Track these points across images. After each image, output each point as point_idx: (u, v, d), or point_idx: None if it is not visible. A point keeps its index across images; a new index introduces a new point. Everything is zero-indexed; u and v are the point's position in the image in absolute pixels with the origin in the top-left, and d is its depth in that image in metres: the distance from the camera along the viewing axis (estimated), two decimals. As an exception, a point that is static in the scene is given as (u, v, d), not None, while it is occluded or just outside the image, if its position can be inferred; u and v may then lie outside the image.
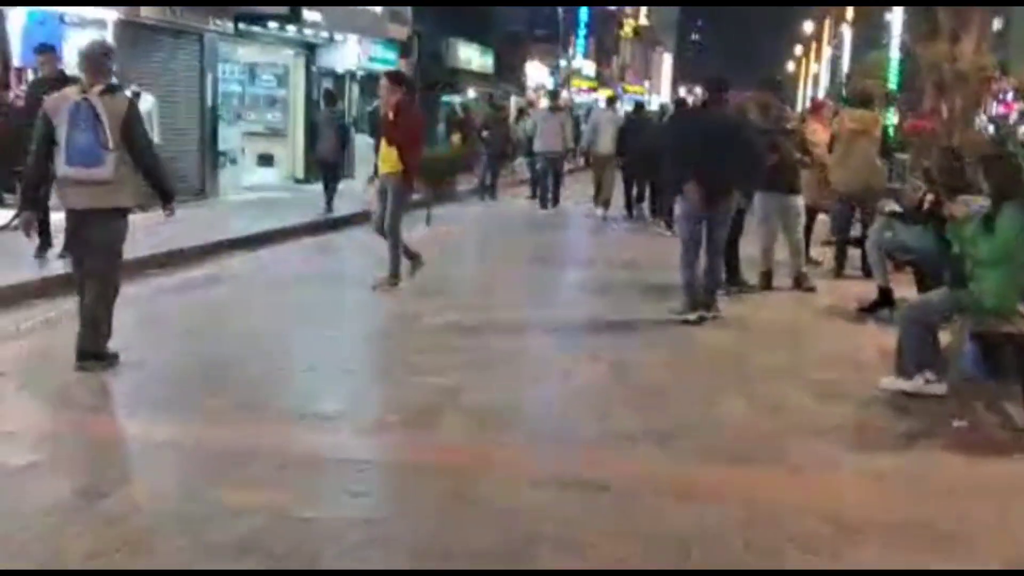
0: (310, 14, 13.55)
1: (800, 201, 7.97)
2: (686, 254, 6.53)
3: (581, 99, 29.99)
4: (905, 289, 6.84)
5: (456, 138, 16.98)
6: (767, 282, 7.83)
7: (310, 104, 14.95)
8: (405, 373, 5.18)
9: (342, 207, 11.93)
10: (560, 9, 29.78)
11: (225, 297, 7.20)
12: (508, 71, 24.86)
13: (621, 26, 41.34)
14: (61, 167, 4.71)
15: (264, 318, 6.39)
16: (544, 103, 23.07)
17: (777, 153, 7.46)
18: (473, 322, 6.39)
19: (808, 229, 8.64)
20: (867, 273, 7.98)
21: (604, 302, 7.32)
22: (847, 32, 34.10)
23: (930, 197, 6.75)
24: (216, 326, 6.14)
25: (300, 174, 15.01)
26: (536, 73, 28.98)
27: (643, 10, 46.16)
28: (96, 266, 4.85)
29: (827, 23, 39.78)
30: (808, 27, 48.08)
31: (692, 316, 6.44)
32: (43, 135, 4.77)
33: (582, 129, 15.57)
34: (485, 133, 15.76)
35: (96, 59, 4.84)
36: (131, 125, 4.72)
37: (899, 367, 4.74)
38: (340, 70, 15.71)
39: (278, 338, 5.91)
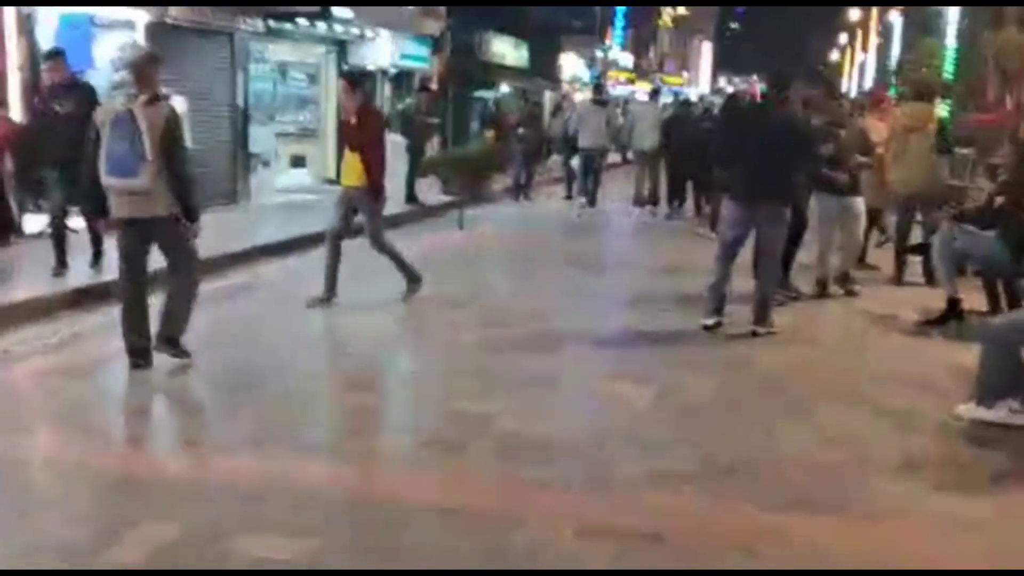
0: (341, 11, 13.28)
1: (860, 203, 7.51)
2: (719, 258, 6.21)
3: (618, 91, 29.41)
4: (975, 298, 6.38)
5: (490, 134, 16.65)
6: (822, 290, 7.39)
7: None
8: (435, 397, 4.87)
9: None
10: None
11: (253, 309, 6.93)
12: (543, 65, 24.40)
13: (659, 15, 40.61)
14: (103, 176, 4.84)
15: (292, 333, 6.11)
16: (579, 96, 22.62)
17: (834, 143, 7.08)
18: (508, 337, 6.05)
19: (867, 233, 8.17)
20: (930, 279, 7.51)
21: (646, 313, 6.93)
22: (897, 19, 32.90)
23: (1000, 199, 6.27)
24: (244, 341, 5.86)
25: (332, 175, 14.77)
26: (572, 66, 28.46)
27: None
28: (172, 267, 5.06)
29: (874, 10, 38.61)
30: (853, 15, 46.83)
31: (709, 321, 6.12)
32: (95, 145, 4.87)
33: (619, 122, 15.16)
34: (521, 130, 15.37)
35: (142, 68, 4.86)
36: (170, 137, 4.76)
37: (979, 393, 4.30)
38: (372, 67, 15.43)
39: (305, 355, 5.65)
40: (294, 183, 14.14)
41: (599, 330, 6.41)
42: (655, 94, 14.98)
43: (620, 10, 32.94)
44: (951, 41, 19.89)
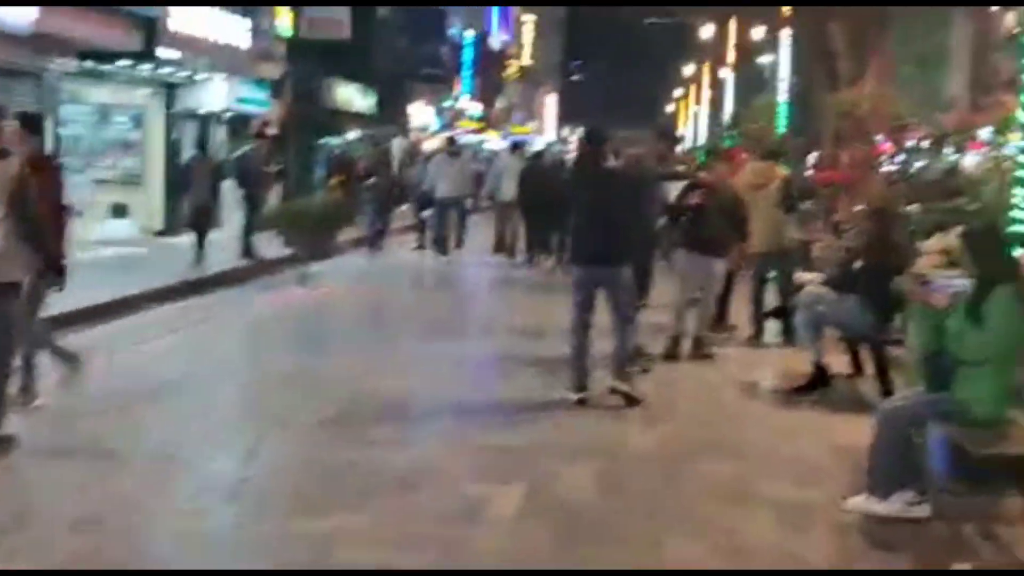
0: (168, 52, 12.23)
1: (724, 265, 7.34)
2: (573, 324, 5.83)
3: (467, 140, 29.31)
4: (837, 360, 6.23)
5: (335, 183, 15.88)
6: (675, 349, 7.05)
7: (170, 148, 13.61)
8: (262, 509, 4.09)
9: (212, 262, 10.92)
10: (445, 48, 29.10)
11: (42, 397, 5.72)
12: (392, 112, 23.87)
13: (505, 67, 41.19)
14: None
15: (98, 429, 5.06)
16: (429, 145, 22.27)
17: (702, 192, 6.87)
18: (353, 420, 5.35)
19: (727, 293, 8.01)
20: (788, 340, 7.39)
21: (508, 381, 6.40)
22: (729, 76, 34.79)
23: (858, 262, 6.20)
24: (36, 442, 4.71)
25: (159, 226, 13.55)
26: (421, 114, 28.12)
27: (527, 50, 46.26)
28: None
29: (707, 66, 40.74)
30: (688, 70, 49.31)
31: (574, 396, 5.72)
32: None
33: (473, 169, 15.15)
34: (371, 180, 14.67)
35: None
36: (21, 194, 4.44)
37: (871, 485, 3.95)
38: (204, 111, 14.38)
39: (111, 465, 4.56)
40: (116, 234, 12.80)
41: (458, 406, 5.80)
42: (516, 147, 14.98)
43: (467, 59, 33.01)
44: (783, 97, 21.24)
